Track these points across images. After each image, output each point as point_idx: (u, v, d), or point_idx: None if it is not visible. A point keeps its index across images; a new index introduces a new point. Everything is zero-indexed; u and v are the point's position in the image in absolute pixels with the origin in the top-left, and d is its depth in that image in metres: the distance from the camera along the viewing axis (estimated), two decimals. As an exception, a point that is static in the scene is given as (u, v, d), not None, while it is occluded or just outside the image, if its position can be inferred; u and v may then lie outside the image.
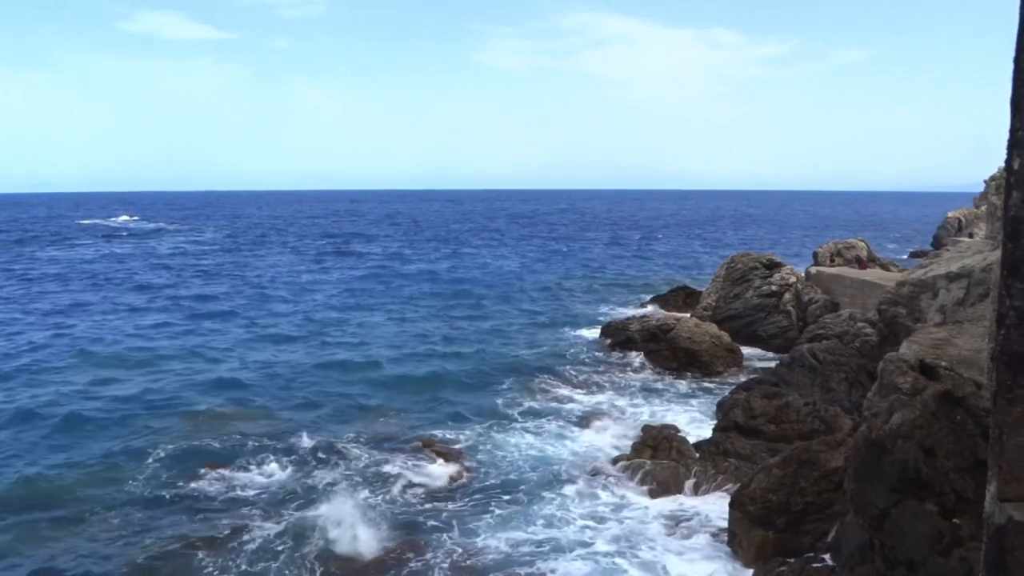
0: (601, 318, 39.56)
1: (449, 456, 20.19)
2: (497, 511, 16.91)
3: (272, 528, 16.07)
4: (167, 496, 17.63)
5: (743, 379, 27.14)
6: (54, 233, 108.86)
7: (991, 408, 2.36)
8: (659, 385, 27.96)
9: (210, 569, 14.45)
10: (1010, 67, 2.54)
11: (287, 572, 14.40)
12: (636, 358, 30.72)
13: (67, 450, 20.55)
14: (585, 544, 15.38)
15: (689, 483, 18.07)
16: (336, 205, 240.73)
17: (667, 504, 17.17)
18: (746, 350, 32.64)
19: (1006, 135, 2.59)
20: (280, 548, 15.25)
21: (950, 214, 73.08)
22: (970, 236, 54.44)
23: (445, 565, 14.66)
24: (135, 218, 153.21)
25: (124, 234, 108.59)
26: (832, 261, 42.83)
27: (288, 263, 69.82)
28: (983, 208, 55.34)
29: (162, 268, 65.24)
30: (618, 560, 14.73)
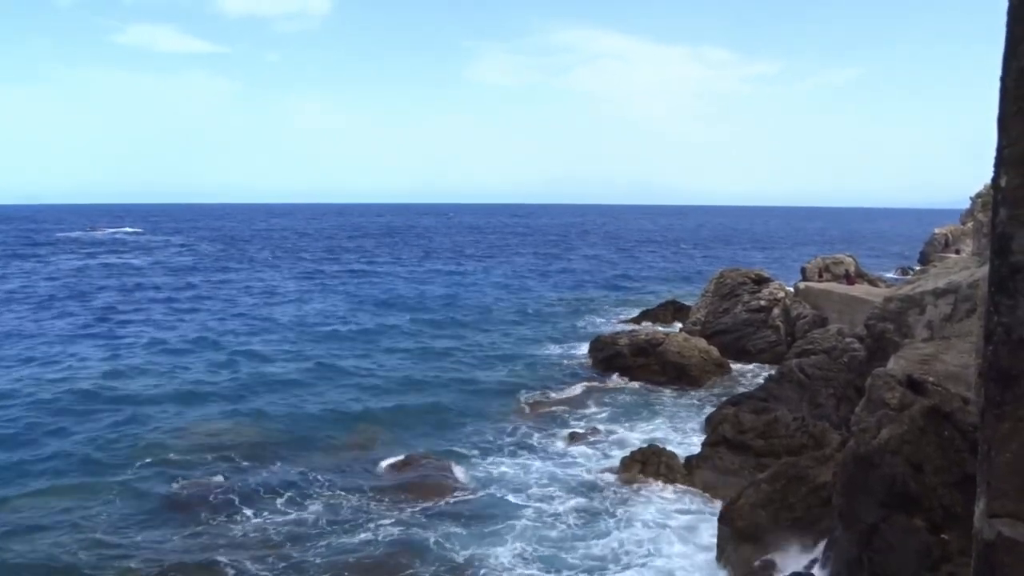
0: (589, 333, 39.51)
1: (438, 475, 19.99)
2: (488, 529, 16.81)
3: (267, 537, 15.94)
4: (159, 509, 17.47)
5: (732, 394, 27.17)
6: (40, 245, 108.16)
7: (980, 424, 2.35)
8: (648, 400, 27.93)
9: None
10: (996, 85, 2.56)
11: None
12: (625, 373, 30.69)
13: (49, 470, 20.23)
14: (574, 560, 15.32)
15: (677, 498, 18.06)
16: (327, 219, 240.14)
17: (655, 519, 17.14)
18: (735, 365, 32.71)
19: (993, 153, 2.60)
20: (272, 563, 15.13)
21: (937, 230, 73.52)
22: (957, 252, 54.83)
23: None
24: (125, 230, 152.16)
25: (112, 246, 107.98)
26: (820, 276, 43.01)
27: (276, 278, 69.36)
28: (970, 225, 55.79)
29: (150, 281, 64.83)
30: (607, 575, 14.69)
